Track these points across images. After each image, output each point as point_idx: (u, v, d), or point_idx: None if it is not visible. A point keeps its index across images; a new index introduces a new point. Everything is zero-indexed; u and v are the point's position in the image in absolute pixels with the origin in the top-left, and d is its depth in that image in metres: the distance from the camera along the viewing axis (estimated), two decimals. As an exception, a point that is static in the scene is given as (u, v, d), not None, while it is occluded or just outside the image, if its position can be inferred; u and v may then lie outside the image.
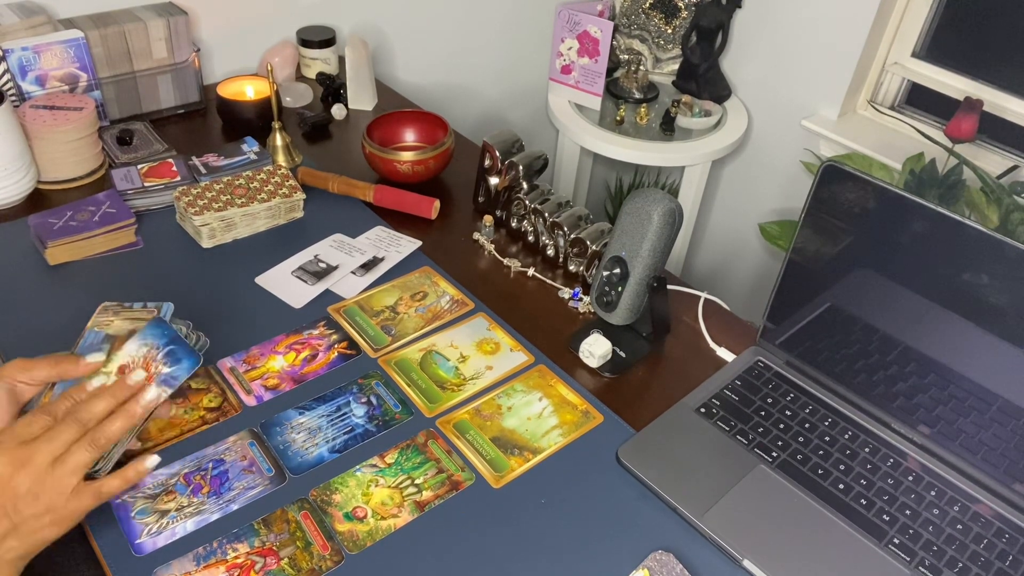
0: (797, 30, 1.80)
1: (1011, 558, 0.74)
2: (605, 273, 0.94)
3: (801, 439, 0.85)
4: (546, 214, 1.07)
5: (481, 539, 0.74)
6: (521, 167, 1.10)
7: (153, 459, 0.69)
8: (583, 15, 1.70)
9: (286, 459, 0.79)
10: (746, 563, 0.73)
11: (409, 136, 1.26)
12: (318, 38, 1.47)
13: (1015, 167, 1.58)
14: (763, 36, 1.87)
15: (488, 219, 1.12)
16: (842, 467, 0.82)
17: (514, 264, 1.07)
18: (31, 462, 0.63)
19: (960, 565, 0.74)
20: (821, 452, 0.83)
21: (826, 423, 0.86)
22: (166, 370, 0.70)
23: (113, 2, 1.29)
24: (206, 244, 1.04)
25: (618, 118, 1.79)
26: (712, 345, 0.97)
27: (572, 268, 1.07)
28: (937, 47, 1.74)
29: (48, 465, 0.63)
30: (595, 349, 0.92)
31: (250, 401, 0.85)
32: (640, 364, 0.95)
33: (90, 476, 0.67)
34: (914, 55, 1.75)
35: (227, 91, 1.31)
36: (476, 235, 1.12)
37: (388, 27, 1.68)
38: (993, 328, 0.76)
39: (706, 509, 0.77)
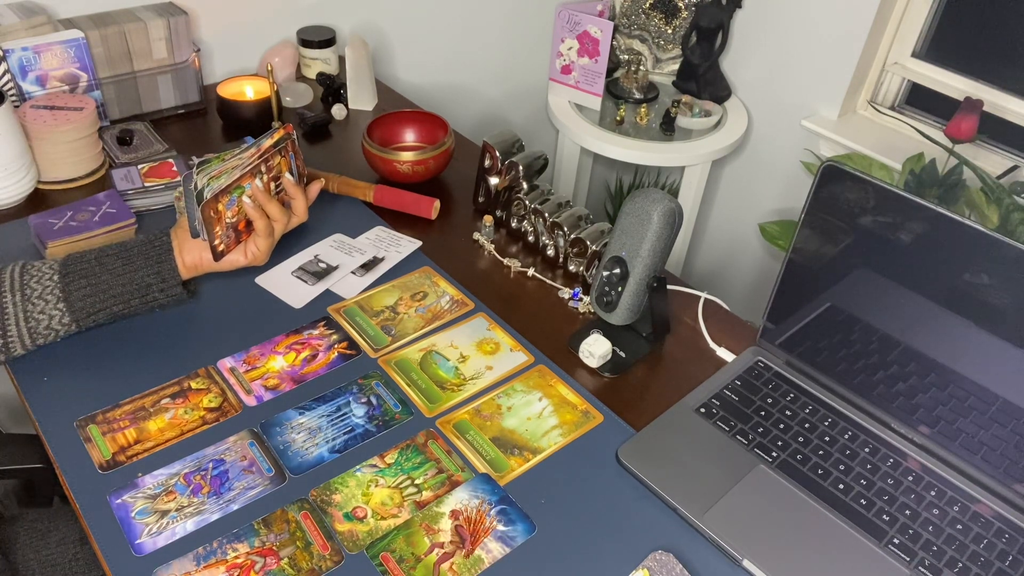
0: (797, 30, 1.80)
1: (1011, 558, 0.74)
2: (605, 273, 0.94)
3: (801, 439, 0.85)
4: (546, 214, 1.07)
5: (481, 539, 0.74)
6: (521, 167, 1.10)
7: None
8: (583, 15, 1.70)
9: (286, 459, 0.79)
10: (746, 563, 0.73)
11: (409, 136, 1.26)
12: (318, 38, 1.47)
13: (1015, 167, 1.58)
14: (763, 36, 1.87)
15: (488, 219, 1.12)
16: (842, 467, 0.82)
17: (514, 264, 1.07)
18: None
19: (960, 565, 0.74)
20: (821, 452, 0.83)
21: (826, 423, 0.86)
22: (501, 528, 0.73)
23: (113, 2, 1.29)
24: (206, 244, 1.05)
25: (618, 118, 1.79)
26: (712, 345, 0.97)
27: (572, 268, 1.07)
28: (937, 47, 1.74)
29: None
30: (595, 349, 0.92)
31: (250, 401, 0.85)
32: (640, 364, 0.95)
33: None
34: (914, 55, 1.75)
35: (227, 91, 1.31)
36: (476, 235, 1.12)
37: (388, 27, 1.68)
38: (993, 328, 0.76)
39: (706, 509, 0.77)
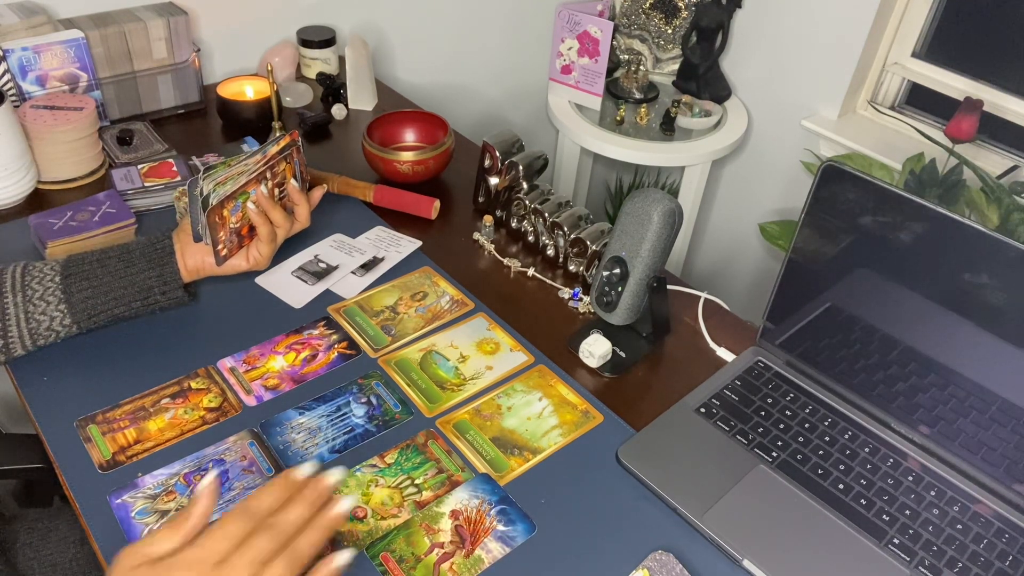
0: (797, 30, 1.80)
1: (1011, 558, 0.74)
2: (605, 273, 0.94)
3: (801, 439, 0.85)
4: (546, 214, 1.07)
5: (481, 539, 0.74)
6: (521, 167, 1.10)
7: (345, 556, 0.59)
8: (583, 15, 1.70)
9: (286, 459, 0.79)
10: (746, 563, 0.73)
11: (409, 136, 1.26)
12: (318, 38, 1.47)
13: (1015, 167, 1.58)
14: (763, 36, 1.87)
15: (488, 219, 1.12)
16: (842, 467, 0.82)
17: (514, 264, 1.07)
18: None
19: (960, 565, 0.74)
20: (821, 452, 0.83)
21: (826, 423, 0.86)
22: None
23: (113, 2, 1.29)
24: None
25: (618, 118, 1.79)
26: (712, 345, 0.97)
27: (572, 268, 1.07)
28: (937, 47, 1.74)
29: None
30: (595, 349, 0.92)
31: (250, 401, 0.85)
32: (640, 364, 0.95)
33: None
34: (914, 55, 1.75)
35: (227, 91, 1.31)
36: (476, 235, 1.12)
37: (388, 27, 1.68)
38: (993, 328, 0.76)
39: (706, 509, 0.77)
